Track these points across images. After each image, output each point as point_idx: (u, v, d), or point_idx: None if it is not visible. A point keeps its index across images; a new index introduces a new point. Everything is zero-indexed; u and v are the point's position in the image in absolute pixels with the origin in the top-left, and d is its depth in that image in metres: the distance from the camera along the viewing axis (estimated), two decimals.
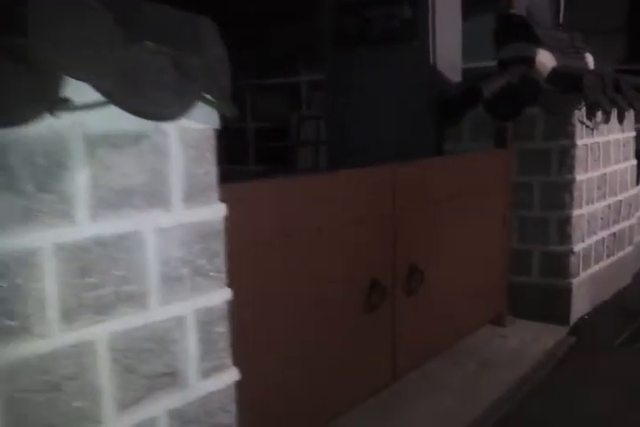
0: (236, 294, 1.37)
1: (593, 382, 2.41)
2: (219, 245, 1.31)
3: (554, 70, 2.93)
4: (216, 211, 1.31)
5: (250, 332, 1.55)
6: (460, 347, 2.67)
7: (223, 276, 1.34)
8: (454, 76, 3.22)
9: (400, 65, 3.17)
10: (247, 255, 1.58)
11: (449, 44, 3.10)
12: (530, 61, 2.89)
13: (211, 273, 1.30)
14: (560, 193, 2.86)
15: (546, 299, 2.97)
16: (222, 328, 1.33)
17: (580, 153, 2.86)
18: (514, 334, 2.86)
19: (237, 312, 1.38)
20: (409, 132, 3.09)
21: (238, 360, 1.40)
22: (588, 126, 2.86)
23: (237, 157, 6.07)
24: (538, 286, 2.96)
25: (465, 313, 2.60)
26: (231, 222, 1.36)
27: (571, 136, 2.82)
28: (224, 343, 1.34)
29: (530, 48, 2.93)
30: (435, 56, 3.06)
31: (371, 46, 3.26)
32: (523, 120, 2.86)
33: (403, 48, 3.18)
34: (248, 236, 1.58)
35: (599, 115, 2.96)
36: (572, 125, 2.81)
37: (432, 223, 2.30)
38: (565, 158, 2.84)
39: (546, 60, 2.93)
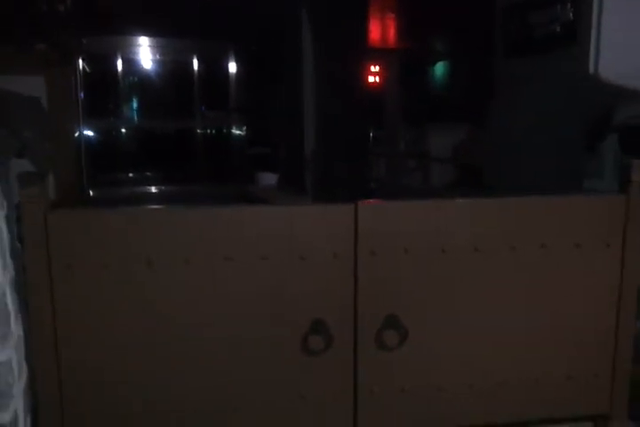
0: None
1: None
2: None
3: None
4: None
5: None
6: None
7: None
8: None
9: (558, 77, 2.48)
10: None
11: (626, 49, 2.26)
12: None
13: None
14: None
15: None
16: None
17: None
18: None
19: None
20: (558, 161, 2.41)
21: None
22: None
23: None
24: None
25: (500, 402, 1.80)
26: None
27: None
28: None
29: None
30: (597, 65, 2.30)
31: (530, 56, 2.63)
32: None
33: (560, 56, 2.48)
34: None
35: None
36: None
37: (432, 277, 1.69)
38: None
39: None
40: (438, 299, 1.74)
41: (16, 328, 1.45)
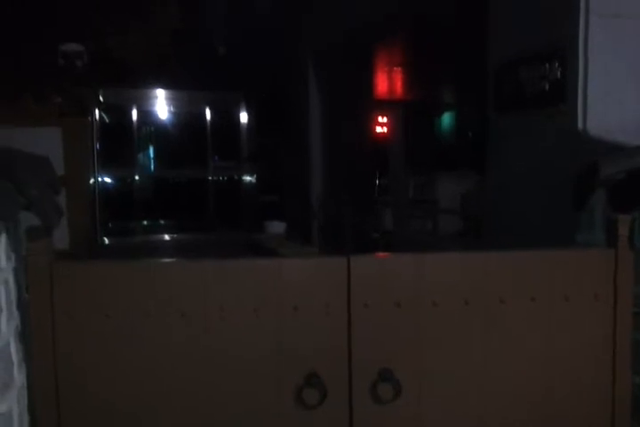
0: None
1: None
2: None
3: None
4: None
5: None
6: None
7: None
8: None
9: (548, 134, 2.57)
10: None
11: (615, 108, 2.34)
12: None
13: None
14: None
15: None
16: None
17: None
18: None
19: None
20: (550, 215, 2.47)
21: None
22: None
23: None
24: None
25: None
26: None
27: None
28: None
29: None
30: (585, 123, 2.38)
31: (521, 112, 2.73)
32: None
33: (550, 112, 2.57)
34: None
35: None
36: None
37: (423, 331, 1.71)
38: None
39: None
40: (431, 352, 1.77)
41: (19, 378, 1.50)
